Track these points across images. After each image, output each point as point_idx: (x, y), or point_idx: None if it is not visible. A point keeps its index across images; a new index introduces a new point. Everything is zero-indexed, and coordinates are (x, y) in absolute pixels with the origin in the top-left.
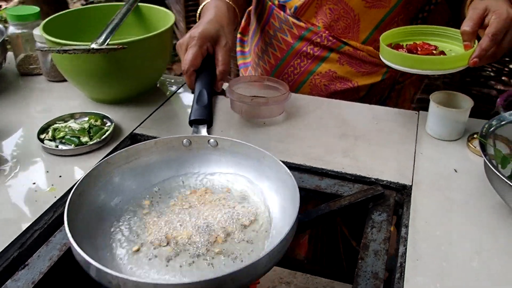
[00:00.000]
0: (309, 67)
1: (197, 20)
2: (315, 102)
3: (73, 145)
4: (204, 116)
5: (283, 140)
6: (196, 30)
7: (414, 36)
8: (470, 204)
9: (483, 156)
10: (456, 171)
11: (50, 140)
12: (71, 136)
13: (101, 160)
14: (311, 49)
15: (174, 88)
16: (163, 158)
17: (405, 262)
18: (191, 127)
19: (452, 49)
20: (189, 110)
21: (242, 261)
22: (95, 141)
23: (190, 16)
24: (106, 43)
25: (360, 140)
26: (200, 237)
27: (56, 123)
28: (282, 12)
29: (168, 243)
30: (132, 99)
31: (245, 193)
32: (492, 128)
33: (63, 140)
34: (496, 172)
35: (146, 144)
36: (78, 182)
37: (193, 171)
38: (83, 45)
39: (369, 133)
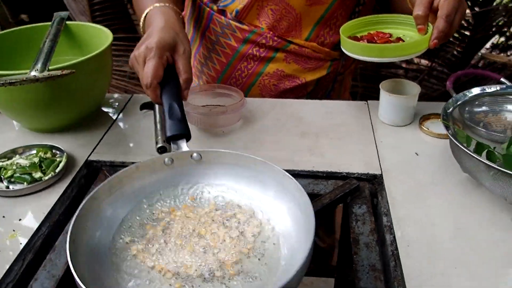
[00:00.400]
0: (257, 69)
1: (142, 31)
2: (268, 104)
3: (25, 183)
4: (182, 130)
5: (247, 146)
6: (151, 40)
7: (367, 26)
8: (440, 184)
9: (450, 137)
10: (417, 154)
11: None
12: (21, 174)
13: (87, 197)
14: (257, 51)
15: (118, 107)
16: (148, 182)
17: (396, 249)
18: (169, 144)
19: (405, 34)
20: (142, 129)
21: (261, 279)
22: (50, 175)
23: (96, 17)
24: (46, 69)
25: (321, 137)
26: (209, 264)
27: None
28: (223, 17)
29: (177, 276)
30: (76, 124)
31: (242, 204)
32: (450, 110)
33: (12, 179)
34: (466, 150)
35: (127, 170)
36: (70, 228)
37: (183, 187)
38: (23, 73)
39: (327, 128)
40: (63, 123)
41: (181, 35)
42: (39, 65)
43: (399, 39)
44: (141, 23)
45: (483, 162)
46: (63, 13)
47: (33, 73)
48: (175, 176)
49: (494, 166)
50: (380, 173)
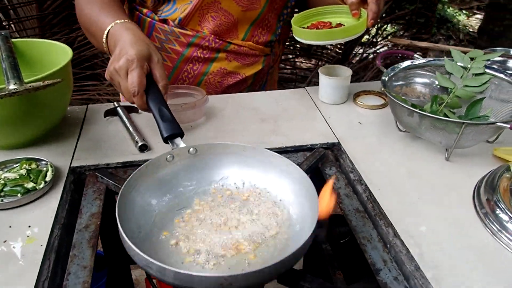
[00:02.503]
0: (202, 69)
1: (106, 49)
2: (221, 100)
3: (19, 194)
4: (176, 130)
5: (218, 136)
6: (130, 52)
7: (309, 18)
8: (385, 142)
9: (393, 99)
10: (360, 123)
11: None
12: (12, 186)
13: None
14: (201, 53)
15: (78, 117)
16: (158, 177)
17: (370, 194)
18: (166, 143)
19: (341, 21)
20: (112, 133)
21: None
22: (42, 184)
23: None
24: (21, 81)
25: (278, 120)
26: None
27: None
28: (166, 25)
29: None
30: (44, 137)
31: (253, 187)
32: (386, 81)
33: (2, 194)
34: (407, 106)
35: (140, 170)
36: (118, 206)
37: (190, 182)
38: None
39: (281, 113)
40: (33, 137)
41: (152, 46)
42: (13, 79)
43: (339, 24)
44: (104, 40)
45: (423, 113)
46: (3, 32)
47: (12, 86)
48: (179, 172)
49: (432, 115)
50: (337, 141)
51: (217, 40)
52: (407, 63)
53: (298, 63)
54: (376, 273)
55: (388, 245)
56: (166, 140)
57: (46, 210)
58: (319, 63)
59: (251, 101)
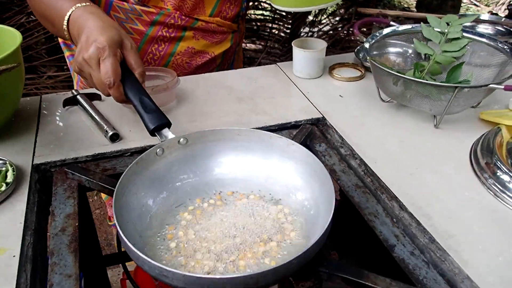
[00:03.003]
0: (168, 50)
1: (68, 36)
2: (192, 81)
3: None
4: (163, 120)
5: (194, 119)
6: (100, 39)
7: None
8: (370, 114)
9: (379, 66)
10: (341, 96)
11: None
12: None
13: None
14: (166, 32)
15: (32, 109)
16: (149, 177)
17: (366, 168)
18: (153, 136)
19: None
20: (74, 124)
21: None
22: (3, 186)
23: None
24: None
25: (255, 99)
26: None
27: None
28: (125, 3)
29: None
30: None
31: (255, 178)
32: (368, 48)
33: None
34: (395, 73)
35: (131, 169)
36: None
37: (186, 175)
38: None
39: (257, 91)
40: None
41: (122, 31)
42: None
43: None
44: (64, 26)
45: (414, 80)
46: None
47: None
48: (172, 166)
49: (425, 81)
50: (321, 116)
51: (183, 17)
52: (387, 30)
53: (244, 44)
54: (391, 249)
55: (395, 219)
56: (152, 132)
57: (13, 215)
58: (268, 44)
59: (223, 80)
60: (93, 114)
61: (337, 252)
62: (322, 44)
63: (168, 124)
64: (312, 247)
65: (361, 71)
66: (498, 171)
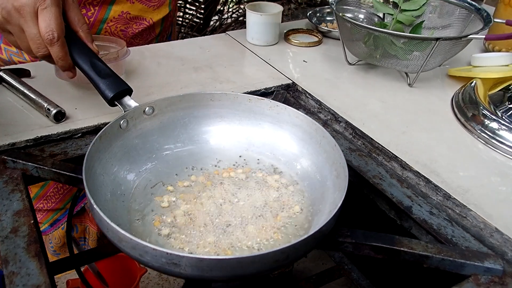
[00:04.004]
0: (99, 15)
1: None
2: (136, 52)
3: None
4: (123, 86)
5: (150, 92)
6: None
7: None
8: (341, 76)
9: (351, 20)
10: (305, 62)
11: None
12: None
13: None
14: None
15: None
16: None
17: (355, 131)
18: (113, 106)
19: None
20: (2, 103)
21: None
22: None
23: None
24: None
25: (214, 67)
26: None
27: None
28: None
29: None
30: None
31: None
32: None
33: None
34: (370, 26)
35: (94, 145)
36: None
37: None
38: None
39: (213, 60)
40: None
41: None
42: None
43: None
44: None
45: (391, 32)
46: None
47: None
48: (142, 141)
49: (408, 34)
50: (291, 82)
51: None
52: None
53: None
54: (408, 210)
55: (399, 180)
56: (112, 102)
57: None
58: (182, 30)
59: (171, 51)
60: (26, 91)
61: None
62: (277, 8)
63: (129, 91)
64: (337, 212)
65: (317, 36)
66: (486, 120)
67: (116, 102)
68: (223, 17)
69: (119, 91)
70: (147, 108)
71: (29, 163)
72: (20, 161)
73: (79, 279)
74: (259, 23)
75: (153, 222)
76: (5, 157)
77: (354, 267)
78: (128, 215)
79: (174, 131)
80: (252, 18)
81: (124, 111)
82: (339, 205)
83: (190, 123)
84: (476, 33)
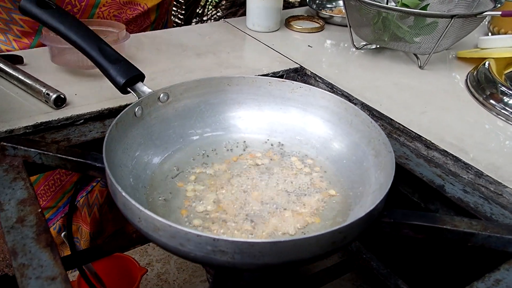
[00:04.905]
0: (90, 0)
1: None
2: (134, 40)
3: None
4: (135, 71)
5: (153, 77)
6: None
7: None
8: (350, 60)
9: (360, 2)
10: (311, 46)
11: None
12: None
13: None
14: None
15: None
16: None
17: (371, 112)
18: (125, 93)
19: None
20: None
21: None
22: None
23: None
24: None
25: (218, 54)
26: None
27: None
28: None
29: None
30: None
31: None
32: None
33: None
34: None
35: (111, 132)
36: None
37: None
38: None
39: (215, 46)
40: None
41: None
42: None
43: None
44: None
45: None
46: None
47: None
48: (159, 129)
49: (420, 11)
50: (299, 66)
51: None
52: None
53: None
54: (441, 189)
55: (426, 160)
56: (124, 88)
57: None
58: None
59: (170, 38)
60: (22, 77)
61: None
62: None
63: (141, 77)
64: (388, 190)
65: (318, 23)
66: (505, 97)
67: (129, 89)
68: (202, 19)
69: (131, 76)
70: (161, 95)
71: (32, 149)
72: (22, 147)
73: (75, 281)
74: (261, 7)
75: (180, 211)
76: (5, 144)
77: (373, 255)
78: (150, 205)
79: (191, 119)
80: (254, 3)
81: (138, 98)
82: (391, 181)
83: (206, 111)
84: (491, 10)
